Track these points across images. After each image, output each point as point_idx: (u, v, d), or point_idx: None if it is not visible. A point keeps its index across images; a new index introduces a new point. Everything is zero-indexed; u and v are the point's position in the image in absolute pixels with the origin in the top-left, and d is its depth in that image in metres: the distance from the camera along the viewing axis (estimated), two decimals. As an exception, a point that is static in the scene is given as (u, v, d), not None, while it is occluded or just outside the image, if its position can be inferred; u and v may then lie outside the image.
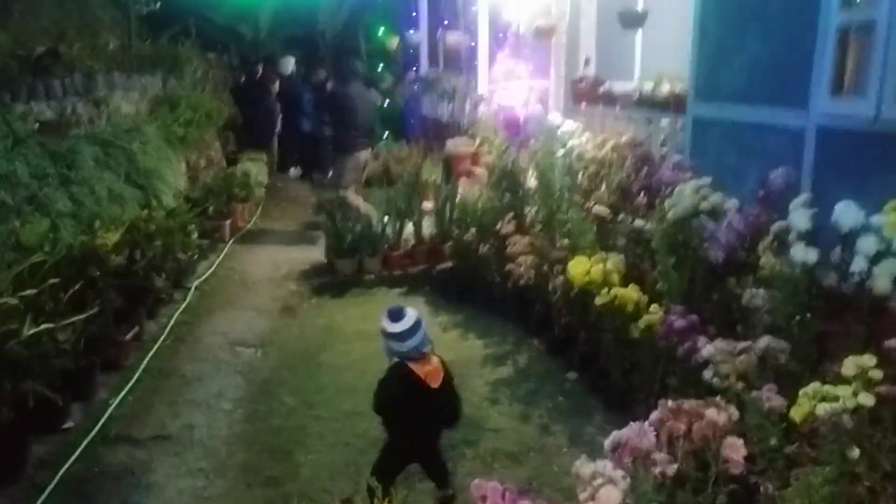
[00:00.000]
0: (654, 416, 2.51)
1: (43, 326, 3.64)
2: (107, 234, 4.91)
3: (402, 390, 3.26)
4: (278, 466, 4.01)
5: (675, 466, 2.25)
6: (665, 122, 5.77)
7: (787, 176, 3.87)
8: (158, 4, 11.84)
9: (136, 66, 8.39)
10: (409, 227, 7.66)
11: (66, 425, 4.24)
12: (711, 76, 4.98)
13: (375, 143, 11.88)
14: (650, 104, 5.79)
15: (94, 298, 4.50)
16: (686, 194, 4.27)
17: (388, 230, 7.49)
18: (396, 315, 3.23)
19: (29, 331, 3.53)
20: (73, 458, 3.98)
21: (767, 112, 4.42)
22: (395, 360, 3.31)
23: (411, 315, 3.25)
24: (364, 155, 8.66)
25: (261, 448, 4.21)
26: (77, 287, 4.25)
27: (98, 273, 4.62)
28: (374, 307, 6.47)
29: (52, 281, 3.93)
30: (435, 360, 3.31)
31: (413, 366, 3.23)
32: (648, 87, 6.07)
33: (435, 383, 3.25)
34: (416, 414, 3.28)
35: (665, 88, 5.80)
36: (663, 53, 6.73)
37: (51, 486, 3.72)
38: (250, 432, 4.40)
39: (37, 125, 5.63)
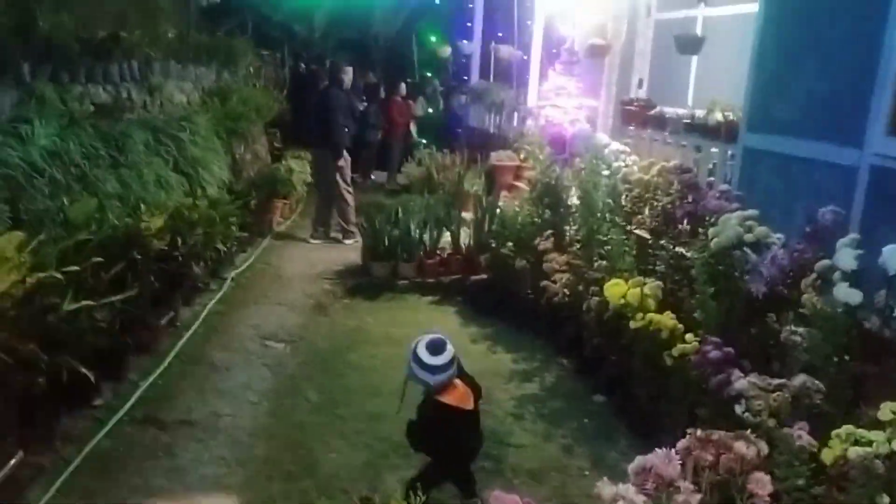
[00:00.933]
0: (681, 444, 2.47)
1: (83, 303, 3.71)
2: (151, 219, 5.00)
3: (444, 424, 3.24)
4: (299, 462, 4.02)
5: (699, 497, 2.21)
6: (714, 150, 5.72)
7: (836, 213, 3.79)
8: (219, -1, 12.13)
9: (192, 56, 8.56)
10: (447, 236, 7.67)
11: (96, 402, 4.32)
12: (766, 107, 4.93)
13: (417, 149, 12.00)
14: (701, 131, 5.74)
15: (133, 280, 4.58)
16: (731, 224, 4.21)
17: (426, 237, 7.49)
18: (438, 349, 3.18)
19: (69, 306, 3.60)
20: (100, 435, 4.05)
21: (820, 147, 4.35)
22: (424, 391, 3.29)
23: (450, 350, 3.20)
24: None
25: (283, 442, 4.23)
26: (118, 268, 4.32)
27: (139, 256, 4.70)
28: (405, 313, 6.51)
29: (95, 259, 4.00)
30: (458, 383, 3.26)
31: (443, 398, 3.20)
32: (700, 113, 6.02)
33: (468, 405, 3.25)
34: (459, 438, 3.32)
35: (717, 116, 5.75)
36: (717, 81, 6.68)
37: (77, 461, 3.79)
38: (274, 425, 4.43)
39: (92, 107, 5.77)
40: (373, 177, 12.89)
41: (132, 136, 5.70)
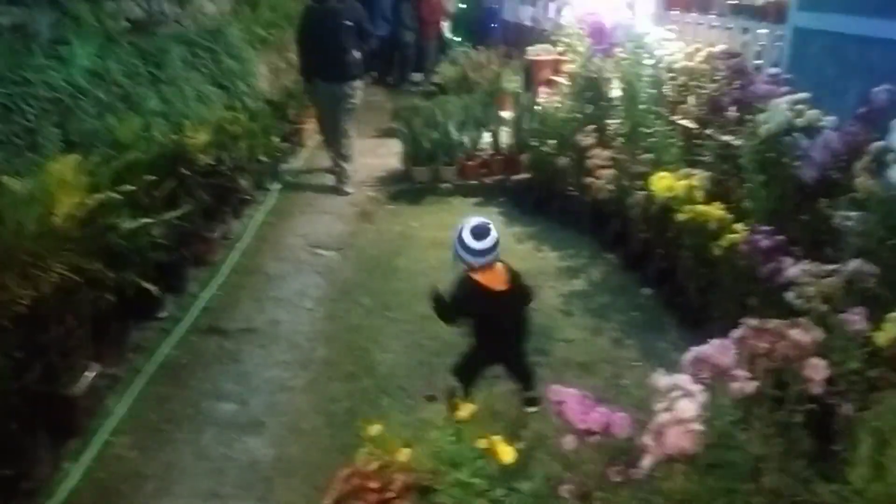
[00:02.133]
0: (735, 333, 2.51)
1: (141, 221, 3.82)
2: (195, 134, 5.05)
3: (466, 298, 3.33)
4: (357, 363, 4.19)
5: (755, 384, 2.26)
6: (763, 31, 5.49)
7: (891, 92, 3.65)
8: None
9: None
10: (486, 137, 7.60)
11: (161, 315, 4.52)
12: (818, -17, 4.69)
13: (451, 47, 11.71)
14: (748, 12, 5.50)
15: (184, 196, 4.68)
16: (781, 109, 4.09)
17: (465, 139, 7.43)
18: (482, 234, 3.25)
19: (128, 225, 3.72)
20: (168, 344, 4.26)
21: (877, 24, 4.15)
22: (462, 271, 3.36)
23: (494, 235, 3.28)
24: None
25: (340, 345, 4.40)
26: (170, 185, 4.41)
27: (188, 172, 4.78)
28: (449, 216, 6.54)
29: (147, 178, 4.09)
30: (497, 265, 3.34)
31: (476, 276, 3.29)
32: (746, -8, 5.76)
33: (499, 286, 3.31)
34: (487, 317, 3.39)
35: (765, -5, 5.49)
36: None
37: (150, 370, 4.01)
38: (330, 329, 4.59)
39: (127, 23, 5.73)
40: (413, 78, 12.65)
41: (169, 52, 5.69)
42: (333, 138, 7.32)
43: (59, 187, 3.27)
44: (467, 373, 3.46)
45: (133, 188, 3.82)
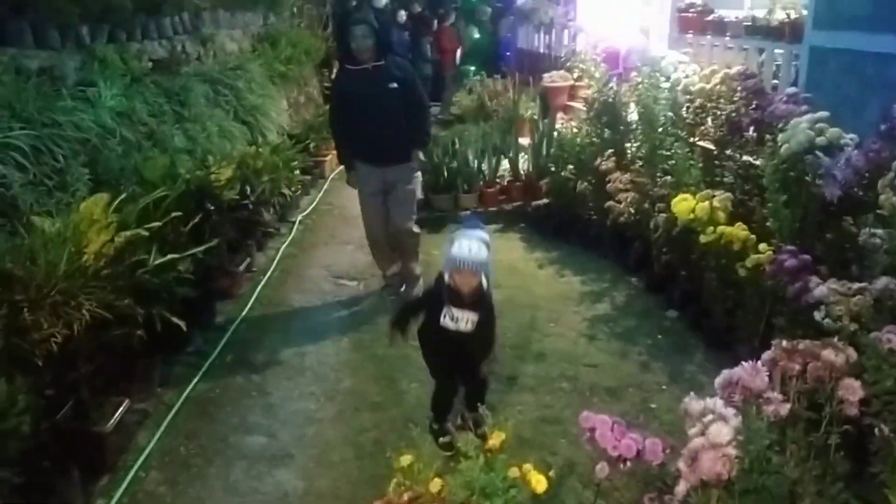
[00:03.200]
0: (766, 355, 2.49)
1: (168, 257, 3.88)
2: (219, 170, 5.13)
3: (433, 290, 3.49)
4: (383, 392, 4.19)
5: (788, 406, 2.24)
6: (779, 51, 5.51)
7: (913, 109, 3.65)
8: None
9: (237, 2, 8.56)
10: (505, 164, 7.64)
11: (189, 349, 4.55)
12: (832, 3, 4.71)
13: (467, 77, 11.81)
14: (763, 33, 5.53)
15: (210, 231, 4.75)
16: (801, 128, 4.10)
17: (484, 167, 7.48)
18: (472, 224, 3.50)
19: (156, 261, 3.77)
20: (196, 379, 4.29)
21: (893, 41, 4.15)
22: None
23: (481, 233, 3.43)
24: None
25: (366, 375, 4.40)
26: (195, 220, 4.47)
27: (213, 207, 4.85)
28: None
29: (174, 214, 4.15)
30: (473, 275, 3.30)
31: (454, 276, 3.31)
32: (761, 14, 5.79)
33: (466, 289, 3.31)
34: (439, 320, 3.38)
35: (779, 15, 5.52)
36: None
37: (178, 405, 4.04)
38: (356, 360, 4.60)
39: (150, 63, 5.86)
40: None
41: (192, 90, 5.80)
42: (386, 244, 5.48)
43: (88, 226, 3.33)
44: (436, 407, 3.63)
45: (160, 224, 3.88)
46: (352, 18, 5.22)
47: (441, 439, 3.09)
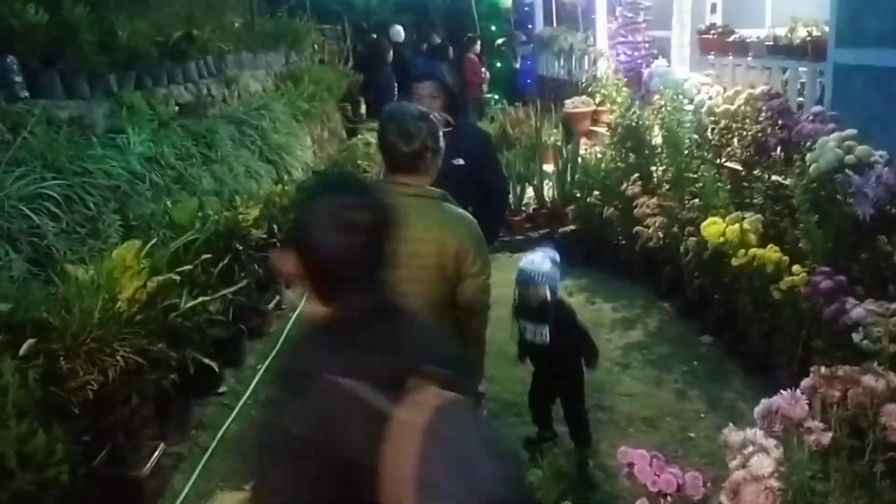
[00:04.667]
0: (805, 383, 2.43)
1: (199, 300, 3.91)
2: (246, 210, 5.18)
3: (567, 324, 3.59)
4: (416, 428, 4.15)
5: (830, 435, 2.18)
6: (802, 69, 5.47)
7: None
8: (276, -20, 12.19)
9: (260, 43, 8.70)
10: (530, 191, 7.63)
11: (221, 390, 4.56)
12: (855, 19, 4.66)
13: (489, 105, 11.87)
14: (786, 52, 5.49)
15: (239, 271, 4.78)
16: (829, 147, 4.06)
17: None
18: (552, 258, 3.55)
19: (187, 304, 3.80)
20: (229, 420, 4.29)
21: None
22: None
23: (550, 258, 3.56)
24: None
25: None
26: (224, 261, 4.51)
27: (241, 247, 4.89)
28: (497, 273, 6.47)
29: (204, 256, 4.20)
30: (543, 288, 3.44)
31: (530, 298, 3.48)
32: (781, 32, 5.76)
33: (531, 303, 3.47)
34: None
35: (801, 34, 5.48)
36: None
37: (212, 446, 4.04)
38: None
39: (177, 108, 5.97)
40: None
41: (218, 132, 5.89)
42: None
43: (121, 273, 3.37)
44: (531, 401, 3.88)
45: (190, 268, 3.92)
46: (414, 73, 4.58)
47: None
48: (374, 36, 12.66)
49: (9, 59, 4.49)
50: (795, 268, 3.98)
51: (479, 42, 13.12)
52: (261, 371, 4.86)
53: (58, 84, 4.83)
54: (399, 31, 12.81)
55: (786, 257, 4.12)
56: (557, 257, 3.57)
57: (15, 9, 4.55)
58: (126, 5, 6.19)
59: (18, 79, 4.54)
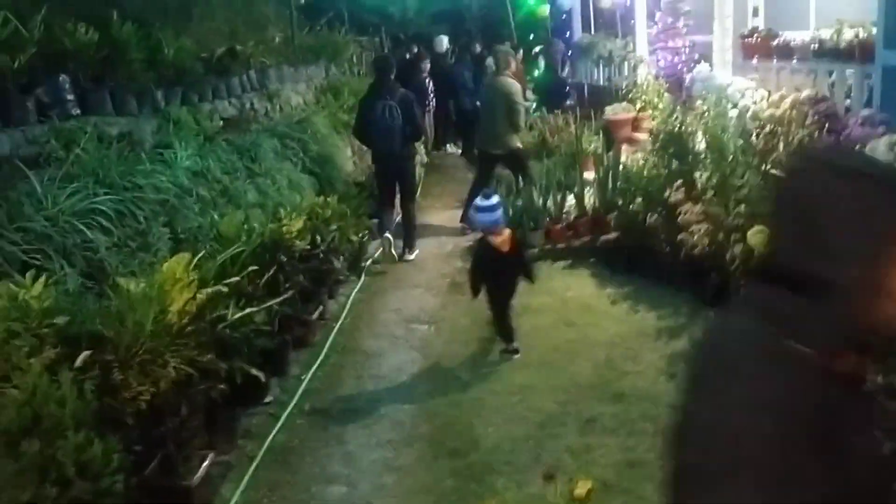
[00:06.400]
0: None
1: (247, 311, 3.97)
2: (290, 222, 5.25)
3: (482, 253, 4.99)
4: (460, 438, 4.15)
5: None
6: (849, 72, 5.36)
7: None
8: (315, -6, 12.40)
9: (300, 57, 8.85)
10: (571, 199, 7.59)
11: (267, 399, 4.62)
12: (905, 20, 4.57)
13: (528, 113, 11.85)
14: (832, 55, 5.39)
15: (284, 282, 4.85)
16: (879, 151, 3.98)
17: (549, 203, 7.45)
18: (488, 195, 4.92)
19: (235, 315, 3.87)
20: (275, 429, 4.34)
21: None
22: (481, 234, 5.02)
23: (496, 198, 4.92)
24: None
25: (442, 420, 4.38)
26: (270, 272, 4.58)
27: (286, 258, 4.96)
28: (538, 282, 6.49)
29: (251, 268, 4.27)
30: (506, 231, 4.90)
31: (490, 238, 4.87)
32: (827, 35, 5.66)
33: (505, 248, 4.84)
34: (492, 270, 4.95)
35: (847, 36, 5.39)
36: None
37: (259, 456, 4.09)
38: (431, 405, 4.59)
39: (221, 122, 6.10)
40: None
41: (262, 145, 6.00)
42: None
43: (172, 285, 3.45)
44: (499, 318, 5.07)
45: (237, 279, 3.99)
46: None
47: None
48: (415, 48, 12.76)
49: (61, 79, 4.63)
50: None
51: (519, 51, 13.12)
52: (305, 381, 4.92)
53: (107, 101, 4.97)
54: (442, 41, 12.90)
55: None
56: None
57: (67, 29, 4.69)
58: (171, 22, 6.35)
59: (70, 97, 4.69)
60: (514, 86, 7.62)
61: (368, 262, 7.28)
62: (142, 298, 3.30)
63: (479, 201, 4.83)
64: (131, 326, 3.15)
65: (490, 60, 10.28)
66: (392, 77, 7.07)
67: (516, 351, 4.99)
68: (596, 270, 6.67)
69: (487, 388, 4.73)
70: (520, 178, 7.70)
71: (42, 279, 3.16)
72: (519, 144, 7.84)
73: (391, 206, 7.38)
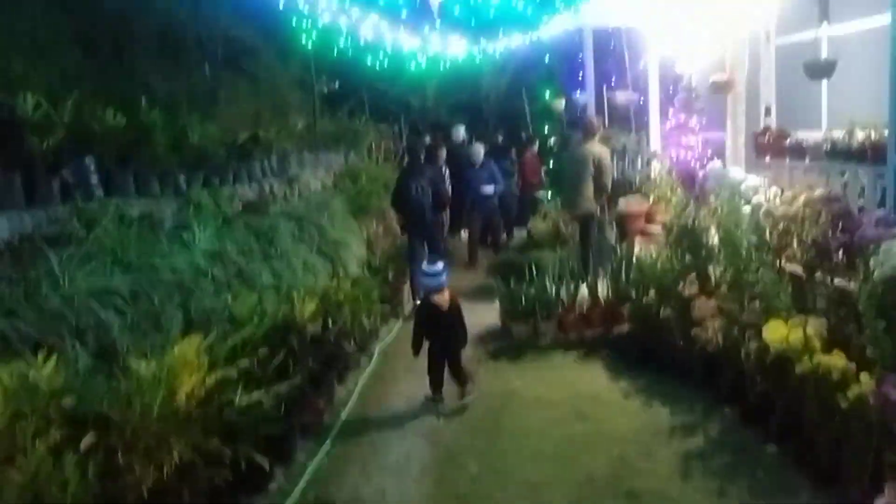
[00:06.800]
0: (880, 502, 2.31)
1: (255, 397, 3.94)
2: (303, 304, 5.27)
3: (424, 311, 5.77)
4: (468, 536, 4.03)
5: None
6: (861, 172, 5.42)
7: None
8: (338, 84, 12.80)
9: (321, 143, 9.07)
10: (584, 290, 7.58)
11: (270, 487, 4.52)
12: (915, 123, 4.64)
13: (543, 202, 12.00)
14: (844, 155, 5.46)
15: (293, 366, 4.82)
16: (894, 252, 3.96)
17: (562, 293, 7.44)
18: (433, 262, 5.70)
19: (243, 401, 3.84)
20: (278, 519, 4.23)
21: None
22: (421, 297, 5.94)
23: (441, 264, 5.70)
24: None
25: (449, 517, 4.26)
26: (280, 356, 4.56)
27: (297, 341, 4.95)
28: (551, 372, 6.43)
29: (261, 350, 4.26)
30: (447, 293, 5.72)
31: (433, 297, 5.68)
32: (839, 135, 5.75)
33: (445, 306, 5.68)
34: (433, 326, 5.72)
35: (859, 137, 5.47)
36: (852, 99, 6.36)
37: (261, 546, 3.98)
38: (438, 498, 4.47)
39: (241, 205, 6.21)
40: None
41: (279, 228, 6.09)
42: None
43: (182, 368, 3.44)
44: (430, 369, 5.80)
45: (247, 363, 3.97)
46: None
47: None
48: (430, 139, 13.06)
49: (86, 160, 4.76)
50: (863, 376, 3.83)
51: (537, 142, 13.44)
52: (310, 469, 4.82)
53: (130, 182, 5.09)
54: (459, 131, 13.22)
55: (852, 364, 3.97)
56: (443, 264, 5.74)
57: (96, 114, 4.85)
58: (198, 106, 6.55)
59: (95, 178, 4.80)
60: (604, 150, 8.17)
61: (380, 346, 7.25)
62: (151, 381, 3.29)
63: (425, 268, 5.68)
64: (139, 409, 3.13)
65: (477, 147, 11.18)
66: (422, 159, 8.78)
67: (441, 400, 5.76)
68: (609, 362, 6.60)
69: (497, 482, 4.61)
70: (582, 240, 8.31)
71: (53, 359, 3.17)
72: (595, 210, 8.29)
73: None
